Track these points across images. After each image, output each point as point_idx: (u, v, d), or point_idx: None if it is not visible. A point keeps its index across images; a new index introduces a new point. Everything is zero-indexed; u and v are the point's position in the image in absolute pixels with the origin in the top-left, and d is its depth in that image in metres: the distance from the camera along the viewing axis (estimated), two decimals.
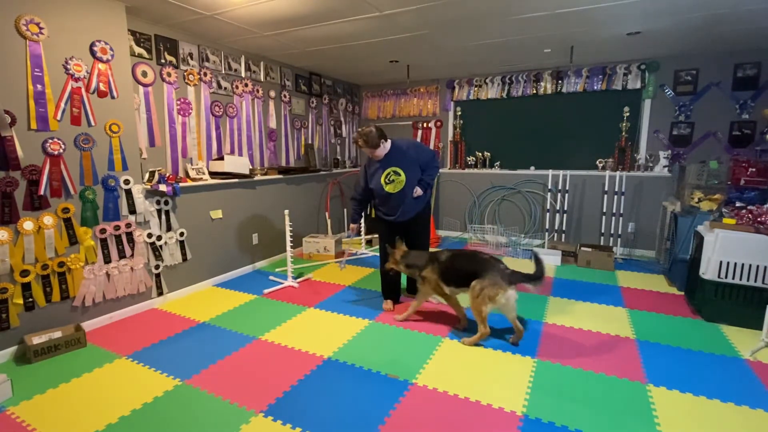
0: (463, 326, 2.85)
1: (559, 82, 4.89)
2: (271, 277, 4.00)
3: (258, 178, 4.15)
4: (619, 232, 4.72)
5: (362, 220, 5.21)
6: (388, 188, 2.95)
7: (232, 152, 4.08)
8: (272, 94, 4.54)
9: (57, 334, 2.60)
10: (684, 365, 2.36)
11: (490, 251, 4.93)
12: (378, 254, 4.81)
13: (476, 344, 2.60)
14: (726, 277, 2.84)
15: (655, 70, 4.45)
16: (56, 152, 2.57)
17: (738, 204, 3.25)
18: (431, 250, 3.07)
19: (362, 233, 5.22)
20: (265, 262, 4.44)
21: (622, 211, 4.65)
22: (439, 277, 2.74)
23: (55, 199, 2.60)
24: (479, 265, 2.59)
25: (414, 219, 3.09)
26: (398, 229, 3.10)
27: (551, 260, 4.40)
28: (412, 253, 2.92)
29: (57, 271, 2.64)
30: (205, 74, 3.72)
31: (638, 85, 4.53)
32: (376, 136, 2.86)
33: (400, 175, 2.93)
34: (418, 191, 2.98)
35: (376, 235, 5.22)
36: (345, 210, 5.75)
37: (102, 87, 2.79)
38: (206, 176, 3.69)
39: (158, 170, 3.23)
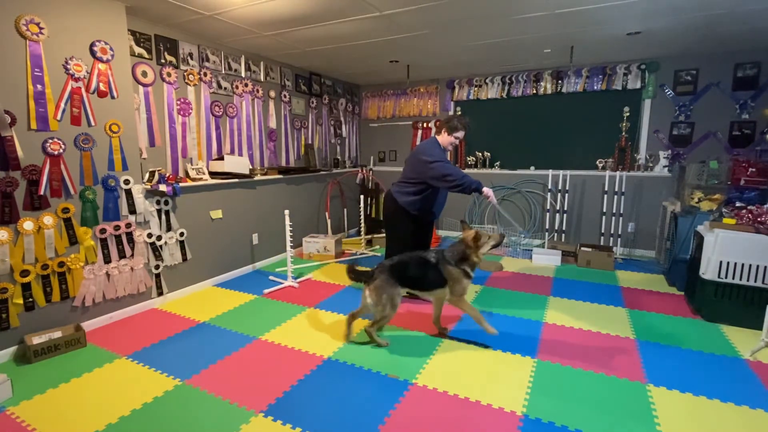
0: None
1: (559, 82, 4.89)
2: (271, 277, 4.00)
3: (258, 178, 4.14)
4: (619, 232, 4.72)
5: (362, 220, 5.22)
6: None
7: (232, 152, 4.08)
8: (272, 94, 4.54)
9: (57, 334, 2.60)
10: (684, 365, 2.36)
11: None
12: (378, 254, 4.83)
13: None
14: (726, 277, 2.84)
15: (655, 70, 4.44)
16: (56, 152, 2.57)
17: (738, 204, 3.25)
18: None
19: (362, 233, 5.22)
20: (265, 262, 4.44)
21: (622, 211, 4.65)
22: None
23: (55, 199, 2.60)
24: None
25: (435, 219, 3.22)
26: (424, 228, 3.13)
27: (551, 260, 4.40)
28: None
29: (57, 271, 2.64)
30: (205, 74, 3.72)
31: (638, 85, 4.53)
32: None
33: None
34: None
35: (377, 235, 5.23)
36: (345, 210, 5.75)
37: (102, 87, 2.79)
38: (206, 176, 3.69)
39: (158, 170, 3.23)
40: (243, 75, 4.14)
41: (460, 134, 2.89)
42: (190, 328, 2.90)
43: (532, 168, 5.21)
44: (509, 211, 5.35)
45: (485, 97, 5.32)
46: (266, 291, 3.60)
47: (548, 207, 5.10)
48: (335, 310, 3.20)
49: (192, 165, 3.65)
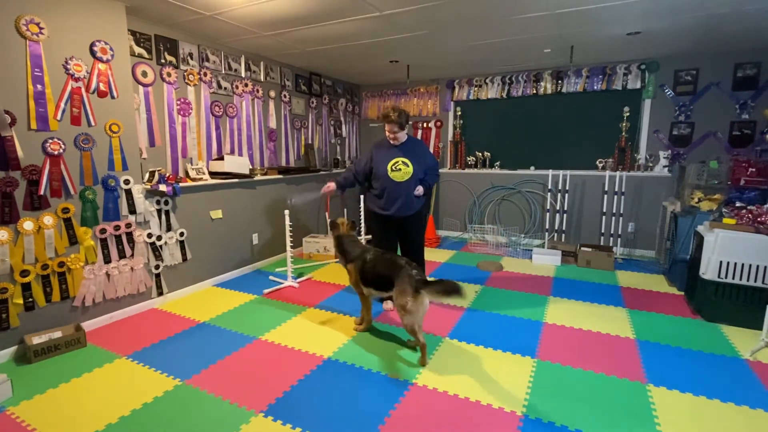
0: (363, 328, 2.82)
1: (559, 82, 4.89)
2: (271, 277, 4.00)
3: (258, 178, 4.14)
4: (619, 232, 4.72)
5: (362, 221, 5.21)
6: (393, 175, 2.91)
7: (232, 152, 4.08)
8: (272, 94, 4.54)
9: (57, 334, 2.60)
10: (684, 365, 2.36)
11: (490, 251, 4.94)
12: None
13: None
14: (726, 277, 2.84)
15: (655, 70, 4.44)
16: (56, 152, 2.57)
17: (738, 204, 3.25)
18: (363, 245, 2.84)
19: (362, 233, 5.22)
20: (265, 262, 4.44)
21: (622, 211, 4.65)
22: (359, 275, 2.67)
23: (55, 199, 2.60)
24: (395, 271, 2.44)
25: (410, 217, 3.04)
26: (393, 227, 3.07)
27: (551, 260, 4.40)
28: (352, 239, 2.82)
29: (57, 271, 2.64)
30: (205, 74, 3.72)
31: (638, 85, 4.53)
32: (406, 116, 2.89)
33: (408, 166, 2.92)
34: (420, 190, 2.97)
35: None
36: (345, 210, 5.75)
37: (102, 87, 2.79)
38: (206, 176, 3.69)
39: (158, 170, 3.23)
40: (243, 75, 4.14)
41: (388, 126, 2.90)
42: (190, 328, 2.90)
43: (532, 168, 5.21)
44: (508, 210, 5.35)
45: (485, 97, 5.32)
46: (266, 291, 3.60)
47: (548, 207, 5.10)
48: (335, 310, 3.19)
49: (192, 165, 3.65)
